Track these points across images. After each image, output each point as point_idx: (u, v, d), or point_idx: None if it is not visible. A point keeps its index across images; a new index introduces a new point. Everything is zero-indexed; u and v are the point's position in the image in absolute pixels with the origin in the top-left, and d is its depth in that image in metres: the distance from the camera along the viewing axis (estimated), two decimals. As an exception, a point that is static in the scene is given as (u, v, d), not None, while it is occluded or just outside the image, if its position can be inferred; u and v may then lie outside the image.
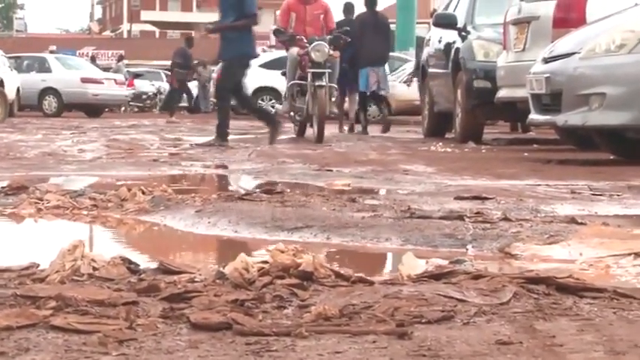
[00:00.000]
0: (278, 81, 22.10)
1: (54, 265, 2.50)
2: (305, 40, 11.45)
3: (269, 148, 9.84)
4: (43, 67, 26.71)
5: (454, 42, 11.73)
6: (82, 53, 48.42)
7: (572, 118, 7.26)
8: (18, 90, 23.26)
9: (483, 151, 9.73)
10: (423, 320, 2.02)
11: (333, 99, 12.10)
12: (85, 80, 26.24)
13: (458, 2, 12.55)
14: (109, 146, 10.00)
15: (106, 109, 28.59)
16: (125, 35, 75.82)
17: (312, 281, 2.42)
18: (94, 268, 2.52)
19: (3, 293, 2.25)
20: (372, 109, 20.39)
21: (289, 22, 11.97)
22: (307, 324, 1.99)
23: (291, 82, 11.80)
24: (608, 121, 7.13)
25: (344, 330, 1.95)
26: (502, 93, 10.07)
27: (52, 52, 35.10)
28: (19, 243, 3.81)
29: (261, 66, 25.49)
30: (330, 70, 11.34)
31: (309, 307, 2.13)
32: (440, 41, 12.61)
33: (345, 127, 15.15)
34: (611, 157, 7.93)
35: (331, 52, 11.34)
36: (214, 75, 24.37)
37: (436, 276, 2.49)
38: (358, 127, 14.76)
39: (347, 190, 5.30)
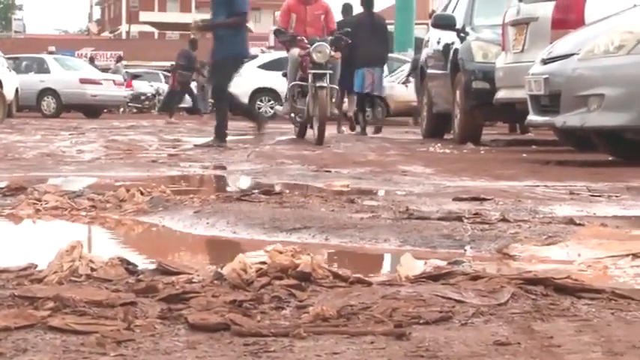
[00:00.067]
0: (277, 82, 22.09)
1: (52, 266, 2.50)
2: (306, 41, 11.40)
3: (268, 149, 9.84)
4: (42, 68, 26.72)
5: (453, 43, 11.73)
6: (81, 54, 48.46)
7: (570, 119, 7.26)
8: (17, 91, 23.28)
9: (482, 152, 9.73)
10: (421, 321, 2.02)
11: (333, 100, 12.08)
12: (83, 81, 26.25)
13: (457, 3, 12.55)
14: (107, 147, 10.00)
15: (105, 110, 28.60)
16: (124, 36, 75.87)
17: (310, 282, 2.42)
18: (92, 269, 2.52)
19: (1, 294, 2.25)
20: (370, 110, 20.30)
21: (290, 23, 11.93)
22: (305, 325, 1.99)
23: (292, 83, 11.73)
24: (606, 122, 7.13)
25: (342, 331, 1.95)
26: (501, 94, 10.07)
27: (51, 52, 35.08)
28: (18, 244, 3.81)
29: (259, 67, 25.52)
30: (331, 71, 11.29)
31: (307, 307, 2.13)
32: (439, 42, 12.62)
33: (344, 128, 15.16)
34: (610, 159, 7.93)
35: (332, 53, 11.30)
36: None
37: (434, 277, 2.49)
38: (357, 128, 14.77)
39: (345, 191, 5.30)
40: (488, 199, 4.58)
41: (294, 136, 12.26)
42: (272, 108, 24.48)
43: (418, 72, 14.52)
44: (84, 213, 4.34)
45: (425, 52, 13.70)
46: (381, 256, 3.48)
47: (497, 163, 7.83)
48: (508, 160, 8.28)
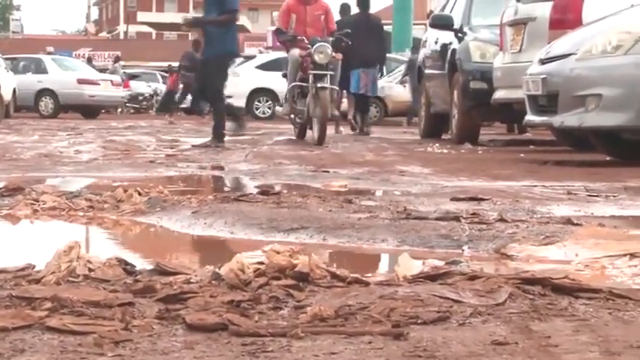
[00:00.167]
0: (274, 82, 22.11)
1: (50, 266, 2.50)
2: (306, 41, 11.36)
3: (266, 149, 9.84)
4: (40, 69, 26.71)
5: (450, 43, 11.74)
6: (79, 54, 48.40)
7: (568, 119, 7.27)
8: (14, 91, 23.27)
9: (480, 152, 9.74)
10: (419, 321, 2.02)
11: (333, 101, 12.05)
12: (81, 81, 26.24)
13: (454, 3, 12.55)
14: (105, 147, 10.00)
15: (103, 111, 28.59)
16: (121, 36, 75.84)
17: (308, 282, 2.42)
18: (90, 269, 2.52)
19: (-1, 294, 2.25)
20: (370, 110, 20.35)
21: (289, 24, 11.87)
22: (303, 325, 1.99)
23: (293, 84, 11.65)
24: (604, 122, 7.13)
25: (340, 331, 1.95)
26: (498, 94, 10.07)
27: (49, 53, 35.06)
28: (15, 244, 3.81)
29: (257, 67, 25.52)
30: (332, 72, 11.26)
31: (305, 307, 2.13)
32: (436, 42, 12.62)
33: (342, 128, 15.16)
34: (608, 159, 7.94)
35: (333, 54, 11.25)
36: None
37: (432, 277, 2.49)
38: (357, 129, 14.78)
39: (343, 192, 5.30)
40: (486, 199, 4.58)
41: (294, 137, 12.23)
42: (270, 108, 24.50)
43: (415, 72, 14.53)
44: (81, 213, 4.34)
45: (422, 53, 13.71)
46: (379, 256, 3.48)
47: (494, 163, 7.83)
48: (506, 160, 8.28)
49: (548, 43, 8.23)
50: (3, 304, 2.16)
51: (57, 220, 4.24)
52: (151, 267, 2.66)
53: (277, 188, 5.30)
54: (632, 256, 3.02)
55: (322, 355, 1.80)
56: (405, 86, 20.98)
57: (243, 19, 70.87)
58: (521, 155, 8.93)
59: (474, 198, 4.63)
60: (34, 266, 2.58)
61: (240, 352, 1.81)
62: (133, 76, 37.27)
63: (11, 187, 4.92)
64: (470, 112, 10.95)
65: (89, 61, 35.50)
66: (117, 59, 37.19)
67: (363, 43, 14.02)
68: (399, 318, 2.03)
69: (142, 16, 77.81)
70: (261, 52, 31.88)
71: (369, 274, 2.72)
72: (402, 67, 21.46)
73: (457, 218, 3.78)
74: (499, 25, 10.31)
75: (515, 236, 3.39)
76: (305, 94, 11.43)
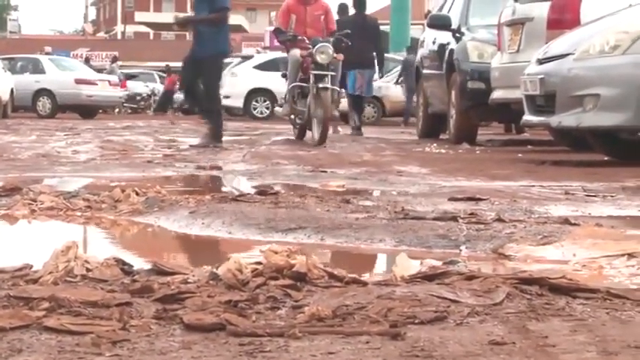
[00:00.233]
0: (272, 82, 22.11)
1: (47, 266, 2.50)
2: (307, 41, 11.33)
3: (263, 150, 9.83)
4: (37, 69, 26.69)
5: (448, 43, 11.74)
6: (76, 54, 48.39)
7: (566, 119, 7.27)
8: (12, 91, 23.27)
9: (477, 152, 9.74)
10: (417, 321, 2.02)
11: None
12: (79, 81, 26.22)
13: (452, 3, 12.56)
14: (103, 147, 9.99)
15: (100, 111, 28.58)
16: (119, 36, 75.84)
17: (305, 282, 2.42)
18: (88, 269, 2.52)
19: (-4, 294, 2.25)
20: (368, 111, 20.39)
21: (289, 24, 11.83)
22: (301, 325, 1.99)
23: (293, 84, 11.56)
24: (602, 122, 7.14)
25: (337, 331, 1.95)
26: (496, 94, 10.07)
27: (47, 53, 35.06)
28: (13, 244, 3.80)
29: (255, 67, 25.51)
30: (333, 73, 11.23)
31: (303, 307, 2.13)
32: (434, 42, 12.63)
33: (340, 128, 15.17)
34: (605, 159, 7.94)
35: (334, 54, 11.22)
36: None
37: (430, 277, 2.49)
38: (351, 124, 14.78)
39: (341, 192, 5.30)
40: (484, 199, 4.58)
41: (292, 137, 12.20)
42: (268, 108, 24.50)
43: (411, 72, 14.53)
44: (79, 213, 4.33)
45: (420, 53, 13.71)
46: (377, 256, 3.48)
47: (492, 163, 7.83)
48: (503, 160, 8.29)
49: (546, 43, 8.24)
50: (0, 304, 2.16)
51: (54, 220, 4.24)
52: (148, 267, 2.65)
53: (275, 188, 5.30)
54: (630, 256, 3.02)
55: (320, 355, 1.80)
56: (402, 86, 21.00)
57: (240, 19, 70.87)
58: (519, 155, 8.94)
59: (471, 198, 4.64)
60: (31, 266, 2.58)
61: (238, 352, 1.82)
62: (131, 76, 37.25)
63: (9, 187, 4.92)
64: (467, 112, 10.95)
65: (87, 61, 35.52)
66: (114, 59, 37.20)
67: (359, 43, 14.00)
68: (397, 318, 2.03)
69: (139, 16, 77.77)
70: (258, 52, 31.86)
71: (367, 274, 2.72)
72: (400, 68, 21.48)
73: (455, 218, 3.78)
74: (497, 25, 10.32)
75: (513, 236, 3.39)
76: (305, 95, 11.34)
